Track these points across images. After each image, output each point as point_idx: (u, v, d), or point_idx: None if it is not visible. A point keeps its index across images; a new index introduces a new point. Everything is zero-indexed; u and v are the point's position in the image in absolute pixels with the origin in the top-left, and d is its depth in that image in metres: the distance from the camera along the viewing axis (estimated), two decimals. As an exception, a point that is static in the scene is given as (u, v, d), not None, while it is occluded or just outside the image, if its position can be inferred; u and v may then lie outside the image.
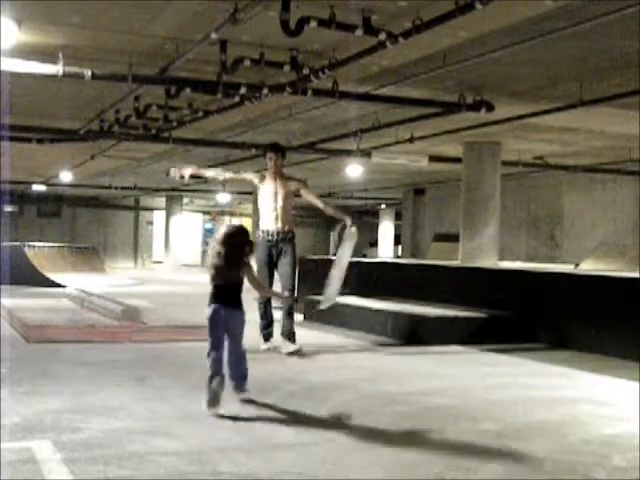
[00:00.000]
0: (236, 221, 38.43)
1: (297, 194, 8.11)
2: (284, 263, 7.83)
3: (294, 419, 4.92)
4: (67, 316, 10.46)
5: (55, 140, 15.14)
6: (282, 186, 7.88)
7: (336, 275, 7.83)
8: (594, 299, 8.59)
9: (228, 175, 8.53)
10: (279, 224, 7.85)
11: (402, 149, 15.54)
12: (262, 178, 7.94)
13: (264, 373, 6.56)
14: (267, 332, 7.98)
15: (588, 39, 8.20)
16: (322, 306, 8.08)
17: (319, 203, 8.07)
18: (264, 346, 7.91)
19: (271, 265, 7.87)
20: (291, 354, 7.61)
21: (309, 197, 8.07)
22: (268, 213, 7.90)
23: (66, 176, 22.23)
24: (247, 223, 33.16)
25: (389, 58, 9.04)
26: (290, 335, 7.85)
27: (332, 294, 7.92)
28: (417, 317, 9.04)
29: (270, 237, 7.83)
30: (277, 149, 8.08)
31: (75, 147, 16.50)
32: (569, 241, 21.31)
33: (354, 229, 7.77)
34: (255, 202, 9.09)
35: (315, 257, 14.39)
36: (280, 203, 7.85)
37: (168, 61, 9.22)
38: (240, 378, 5.34)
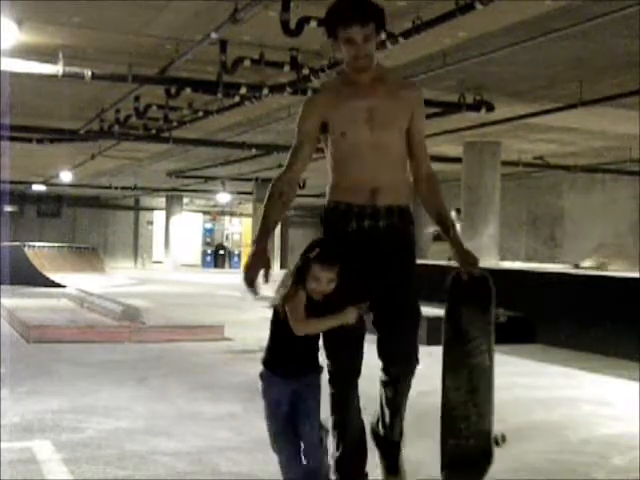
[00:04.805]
0: (236, 221, 38.49)
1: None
2: (394, 278, 3.40)
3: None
4: (67, 316, 10.45)
5: (55, 140, 15.13)
6: (386, 101, 3.46)
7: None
8: (594, 299, 8.60)
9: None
10: (380, 193, 3.41)
11: (402, 149, 15.51)
12: (333, 95, 3.49)
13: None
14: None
15: (588, 39, 8.20)
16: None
17: (433, 184, 3.63)
18: None
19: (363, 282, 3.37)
20: None
21: (417, 152, 3.60)
22: (354, 167, 3.44)
23: (66, 176, 22.24)
24: (247, 224, 33.18)
25: (389, 58, 9.04)
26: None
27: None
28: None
29: (359, 222, 3.41)
30: (369, 14, 3.31)
31: (75, 147, 16.50)
32: (569, 241, 21.31)
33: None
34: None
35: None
36: (382, 140, 3.43)
37: (168, 61, 9.22)
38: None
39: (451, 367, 3.38)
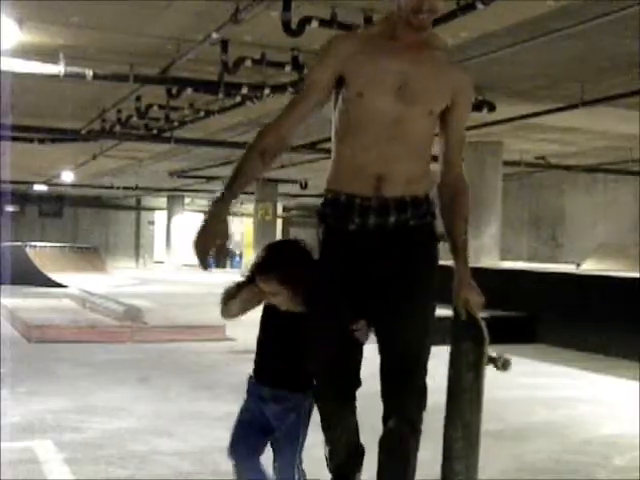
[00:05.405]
0: (237, 221, 38.43)
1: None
2: (402, 298, 2.67)
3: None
4: (69, 316, 10.46)
5: (57, 140, 15.13)
6: (426, 71, 2.68)
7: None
8: (594, 299, 8.59)
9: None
10: (388, 181, 2.67)
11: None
12: (363, 43, 2.68)
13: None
14: None
15: (589, 39, 8.20)
16: None
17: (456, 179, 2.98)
18: None
19: (358, 298, 2.68)
20: None
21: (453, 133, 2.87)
22: (363, 143, 2.65)
23: (68, 176, 22.26)
24: (248, 224, 33.13)
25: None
26: None
27: None
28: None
29: (362, 218, 2.66)
30: None
31: (77, 147, 16.50)
32: (570, 241, 21.30)
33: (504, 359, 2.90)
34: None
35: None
36: (407, 116, 2.65)
37: (169, 61, 9.22)
38: None
39: (450, 418, 2.85)
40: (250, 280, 2.70)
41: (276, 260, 2.66)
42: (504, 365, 2.84)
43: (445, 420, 2.83)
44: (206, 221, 2.53)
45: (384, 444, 2.69)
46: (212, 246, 2.51)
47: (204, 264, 2.52)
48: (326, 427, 2.83)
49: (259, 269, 2.66)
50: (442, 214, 2.85)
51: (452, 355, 2.88)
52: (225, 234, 2.54)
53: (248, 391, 2.86)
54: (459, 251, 2.81)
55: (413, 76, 2.62)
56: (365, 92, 2.60)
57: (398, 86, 2.60)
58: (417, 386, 2.71)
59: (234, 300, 2.72)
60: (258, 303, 2.77)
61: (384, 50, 2.64)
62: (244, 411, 2.84)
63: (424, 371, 2.73)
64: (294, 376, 2.76)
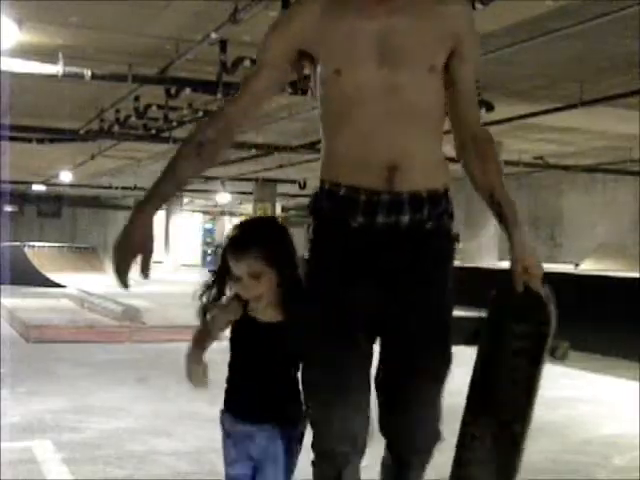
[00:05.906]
0: (236, 221, 38.42)
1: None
2: (414, 292, 2.17)
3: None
4: (67, 316, 10.45)
5: (55, 140, 15.13)
6: (410, 21, 2.09)
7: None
8: (594, 299, 8.59)
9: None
10: (400, 172, 2.09)
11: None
12: (324, 6, 2.11)
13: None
14: None
15: (588, 39, 8.20)
16: None
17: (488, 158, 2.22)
18: None
19: (361, 295, 2.11)
20: None
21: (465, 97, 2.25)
22: (357, 127, 2.12)
23: (66, 176, 22.27)
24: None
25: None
26: None
27: None
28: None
29: (368, 216, 2.11)
30: None
31: (75, 147, 16.49)
32: (569, 241, 21.30)
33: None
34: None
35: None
36: (399, 84, 2.07)
37: (168, 61, 9.22)
38: None
39: (478, 413, 2.26)
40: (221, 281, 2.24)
41: (255, 235, 2.19)
42: (564, 354, 2.27)
43: (466, 414, 2.28)
44: (125, 230, 2.06)
45: (387, 475, 2.33)
46: (132, 260, 2.08)
47: (123, 281, 2.09)
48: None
49: (234, 247, 2.16)
50: (472, 180, 2.25)
51: (491, 339, 2.37)
52: (148, 246, 2.07)
53: (226, 432, 2.27)
54: (507, 213, 2.24)
55: (394, 30, 2.06)
56: (341, 67, 2.09)
57: (378, 48, 2.06)
58: (429, 413, 2.23)
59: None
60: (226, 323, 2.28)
61: (350, 8, 2.08)
62: (234, 466, 2.23)
63: (439, 392, 2.20)
64: (282, 403, 2.21)
